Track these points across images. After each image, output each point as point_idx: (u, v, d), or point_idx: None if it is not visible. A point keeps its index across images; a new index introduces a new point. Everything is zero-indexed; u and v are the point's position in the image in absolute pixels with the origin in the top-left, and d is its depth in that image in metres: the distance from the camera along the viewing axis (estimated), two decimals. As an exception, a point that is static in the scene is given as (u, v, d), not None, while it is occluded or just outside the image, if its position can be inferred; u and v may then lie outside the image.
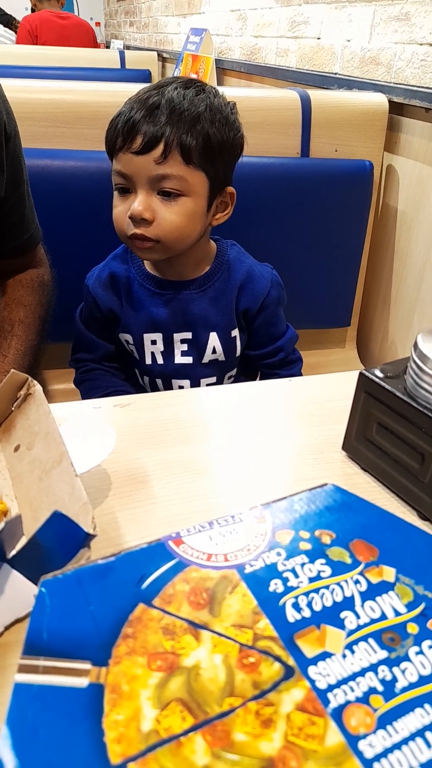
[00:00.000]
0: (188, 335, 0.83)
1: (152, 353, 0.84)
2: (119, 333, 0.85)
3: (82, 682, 0.24)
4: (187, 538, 0.31)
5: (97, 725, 0.23)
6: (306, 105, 1.12)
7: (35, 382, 0.46)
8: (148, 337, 0.83)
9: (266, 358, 0.89)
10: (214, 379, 0.87)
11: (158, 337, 0.83)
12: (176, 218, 0.71)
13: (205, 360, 0.84)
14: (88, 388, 0.86)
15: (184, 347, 0.83)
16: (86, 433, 0.46)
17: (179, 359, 0.84)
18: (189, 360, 0.84)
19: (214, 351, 0.84)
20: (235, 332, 0.85)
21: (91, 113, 1.01)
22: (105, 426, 0.48)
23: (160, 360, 0.84)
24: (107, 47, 3.52)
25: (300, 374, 0.93)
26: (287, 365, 0.91)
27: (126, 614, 0.27)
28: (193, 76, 2.00)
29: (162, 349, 0.83)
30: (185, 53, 2.11)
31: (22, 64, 2.03)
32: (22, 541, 0.34)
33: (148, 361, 0.84)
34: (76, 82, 1.05)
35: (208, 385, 0.87)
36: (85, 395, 0.87)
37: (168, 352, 0.84)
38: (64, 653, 0.25)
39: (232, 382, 0.90)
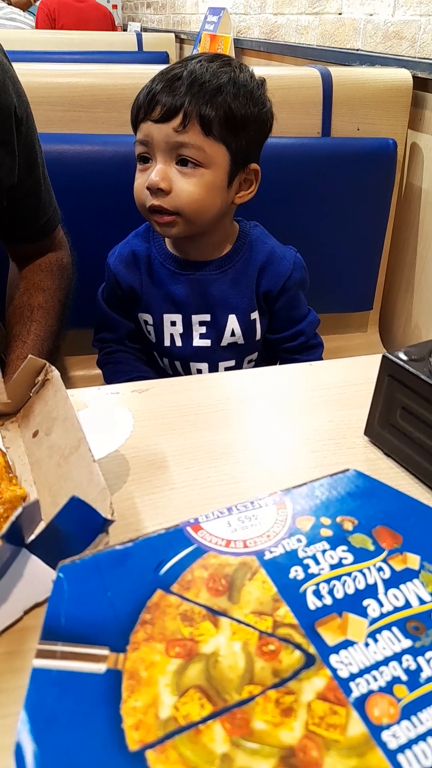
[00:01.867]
0: (207, 317, 0.82)
1: (171, 335, 0.83)
2: (139, 313, 0.84)
3: (100, 668, 0.24)
4: (205, 524, 0.31)
5: (115, 711, 0.22)
6: (327, 83, 1.09)
7: (53, 367, 0.46)
8: (167, 318, 0.82)
9: (287, 342, 0.88)
10: (232, 363, 0.86)
11: (178, 318, 0.82)
12: (194, 189, 0.71)
13: (224, 343, 0.83)
14: (111, 372, 0.86)
15: (203, 329, 0.83)
16: (104, 418, 0.46)
17: (197, 342, 0.83)
18: (207, 343, 0.83)
19: (233, 334, 0.83)
20: (255, 315, 0.83)
21: (108, 96, 1.00)
22: (123, 411, 0.47)
23: (178, 342, 0.83)
24: (124, 30, 3.48)
25: (321, 360, 0.91)
26: (308, 350, 0.89)
27: (144, 600, 0.26)
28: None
29: (181, 330, 0.83)
30: (203, 33, 2.07)
31: (40, 49, 2.02)
32: (41, 527, 0.34)
33: (167, 343, 0.84)
34: (91, 65, 1.04)
35: (226, 369, 0.86)
36: (108, 378, 0.87)
37: (187, 334, 0.83)
38: (82, 639, 0.25)
39: (253, 367, 0.89)
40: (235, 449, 0.45)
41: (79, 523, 0.32)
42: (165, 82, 0.69)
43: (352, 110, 1.11)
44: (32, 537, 0.34)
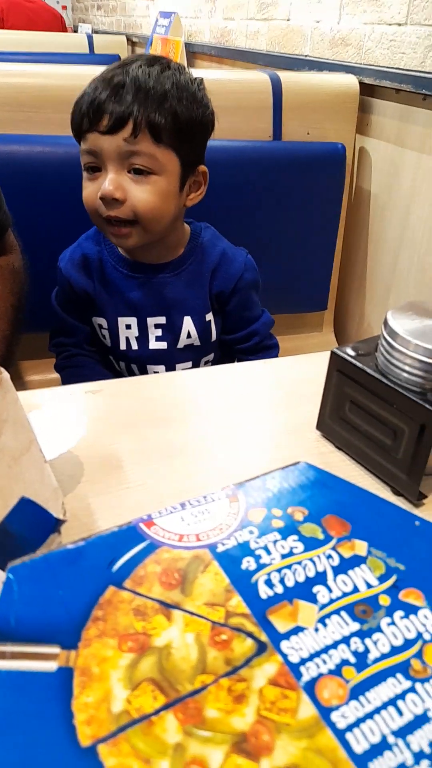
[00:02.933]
0: (162, 320, 0.82)
1: (126, 338, 0.83)
2: (93, 316, 0.83)
3: (51, 666, 0.24)
4: (158, 520, 0.31)
5: (67, 708, 0.22)
6: (277, 87, 1.11)
7: (1, 369, 0.45)
8: (122, 321, 0.82)
9: (241, 342, 0.88)
10: (189, 365, 0.86)
11: (133, 321, 0.82)
12: (149, 197, 0.70)
13: (180, 345, 0.83)
14: (70, 375, 0.85)
15: (159, 332, 0.82)
16: (56, 419, 0.45)
17: (154, 344, 0.83)
18: (164, 345, 0.83)
19: (188, 336, 0.83)
20: (210, 316, 0.84)
21: (58, 97, 0.99)
22: (75, 412, 0.47)
23: (134, 345, 0.83)
24: (75, 32, 3.45)
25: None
26: (263, 351, 0.90)
27: (96, 597, 0.26)
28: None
29: (137, 334, 0.82)
30: (154, 36, 2.07)
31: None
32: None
33: (123, 346, 0.83)
34: (41, 65, 1.03)
35: (183, 370, 0.86)
36: (66, 382, 0.85)
37: (142, 337, 0.82)
38: (32, 638, 0.25)
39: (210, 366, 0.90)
40: (189, 447, 0.45)
41: (30, 523, 0.32)
42: (109, 90, 0.67)
43: (302, 115, 1.13)
44: (-18, 540, 0.34)
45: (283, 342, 1.28)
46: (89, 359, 0.87)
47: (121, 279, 0.81)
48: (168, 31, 1.96)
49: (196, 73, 1.20)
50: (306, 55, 1.34)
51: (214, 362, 0.90)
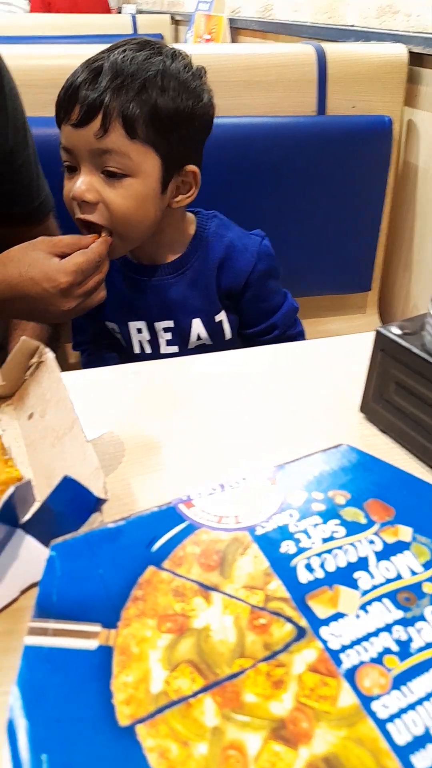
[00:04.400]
0: (170, 323, 0.76)
1: (140, 342, 0.79)
2: (105, 321, 0.80)
3: (91, 644, 0.24)
4: (197, 501, 0.30)
5: (106, 687, 0.22)
6: (321, 60, 1.07)
7: (47, 349, 0.46)
8: (133, 326, 0.77)
9: (262, 335, 0.82)
10: None
11: (143, 325, 0.77)
12: (123, 202, 0.63)
13: (191, 346, 0.79)
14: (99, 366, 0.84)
15: (168, 336, 0.78)
16: (97, 400, 0.45)
17: (165, 349, 0.78)
18: (175, 349, 0.78)
19: (198, 337, 0.78)
20: (220, 316, 0.78)
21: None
22: (115, 393, 0.47)
23: (147, 349, 0.79)
24: (119, 13, 3.43)
25: None
26: (286, 341, 0.82)
27: (136, 577, 0.26)
28: (207, 36, 1.94)
29: (148, 338, 0.78)
30: (197, 14, 2.04)
31: (35, 34, 1.99)
32: (36, 507, 0.34)
33: (137, 350, 0.79)
34: (87, 46, 1.02)
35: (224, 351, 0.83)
36: None
37: (154, 341, 0.78)
38: (73, 616, 0.25)
39: None
40: (229, 429, 0.45)
41: (72, 502, 0.32)
42: (86, 74, 0.62)
43: (347, 88, 1.09)
44: (26, 517, 0.34)
45: (325, 324, 1.26)
46: (112, 353, 0.84)
47: (125, 283, 0.76)
48: (211, 7, 1.93)
49: (237, 48, 1.17)
50: (352, 26, 1.29)
51: None
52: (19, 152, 0.72)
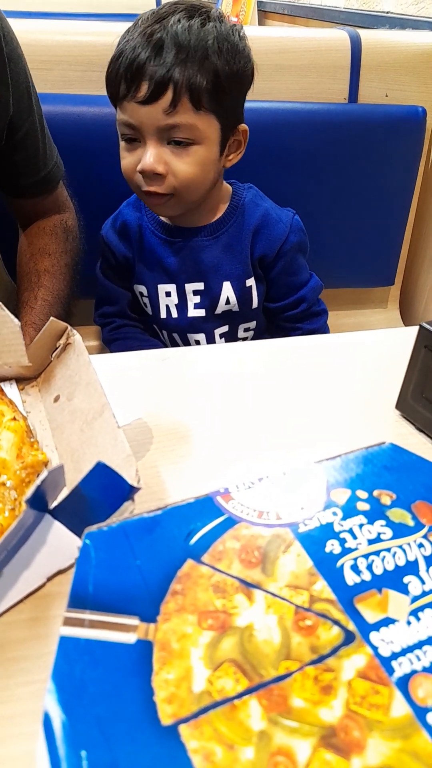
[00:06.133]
0: (200, 286, 0.79)
1: (167, 306, 0.81)
2: (134, 284, 0.82)
3: (130, 638, 0.23)
4: (236, 494, 0.29)
5: (147, 683, 0.21)
6: (356, 46, 1.05)
7: (74, 331, 0.44)
8: (162, 288, 0.80)
9: (288, 309, 0.84)
10: (226, 328, 0.83)
11: (172, 288, 0.80)
12: (189, 168, 0.67)
13: (218, 311, 0.80)
14: (119, 347, 0.84)
15: (197, 299, 0.80)
16: (127, 385, 0.44)
17: (192, 312, 0.80)
18: (202, 312, 0.81)
19: (227, 302, 0.80)
20: (251, 281, 0.80)
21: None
22: (146, 379, 0.46)
23: (174, 313, 0.81)
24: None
25: (325, 327, 0.88)
26: (310, 317, 0.86)
27: (174, 570, 0.25)
28: (233, 19, 1.91)
29: (176, 301, 0.80)
30: (225, -5, 2.00)
31: (56, 10, 1.96)
32: (64, 492, 0.33)
33: (163, 314, 0.81)
34: (112, 23, 1.00)
35: (220, 335, 0.83)
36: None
37: (182, 304, 0.80)
38: (110, 607, 0.24)
39: (251, 335, 0.87)
40: (260, 419, 0.44)
41: (105, 489, 0.31)
42: (149, 49, 0.62)
43: (381, 75, 1.07)
44: (55, 503, 0.33)
45: (345, 317, 1.24)
46: (136, 329, 0.86)
47: (159, 245, 0.79)
48: (240, -12, 1.89)
49: (270, 31, 1.15)
50: (387, 12, 1.26)
51: (257, 331, 0.87)
52: (22, 120, 0.70)
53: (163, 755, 0.19)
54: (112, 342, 0.85)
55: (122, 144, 0.70)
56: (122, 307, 0.85)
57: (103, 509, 0.31)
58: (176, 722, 0.20)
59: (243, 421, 0.44)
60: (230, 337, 0.84)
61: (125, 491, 0.31)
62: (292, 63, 1.03)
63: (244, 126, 0.73)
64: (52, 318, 0.44)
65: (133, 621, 0.23)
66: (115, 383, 0.47)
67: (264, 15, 1.93)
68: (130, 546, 0.27)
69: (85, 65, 0.96)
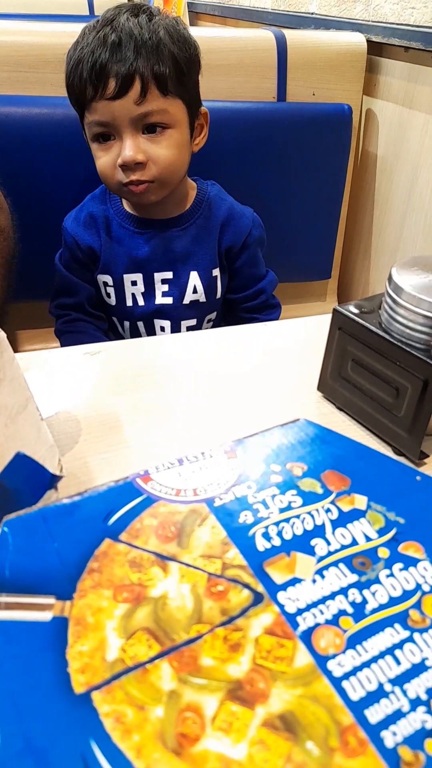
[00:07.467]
0: (169, 275, 0.81)
1: (133, 294, 0.82)
2: (98, 274, 0.83)
3: (46, 615, 0.23)
4: (155, 475, 0.30)
5: (61, 656, 0.22)
6: (282, 46, 1.07)
7: None
8: (128, 278, 0.81)
9: (248, 300, 0.89)
10: (194, 322, 0.85)
11: (138, 277, 0.81)
12: (167, 152, 0.70)
13: (186, 301, 0.83)
14: (69, 340, 0.84)
15: (165, 287, 0.82)
16: (53, 379, 0.44)
17: (160, 299, 0.82)
18: (170, 300, 0.83)
19: (195, 291, 0.82)
20: (216, 272, 0.84)
21: (57, 56, 0.96)
22: (73, 373, 0.46)
23: (141, 301, 0.83)
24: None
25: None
26: (267, 309, 0.91)
27: (92, 549, 0.26)
28: (166, 21, 1.92)
29: (143, 290, 0.82)
30: (156, -3, 2.01)
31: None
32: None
33: (129, 303, 0.83)
34: (38, 23, 1.00)
35: (188, 328, 0.85)
36: (65, 346, 0.84)
37: (149, 292, 0.82)
38: (27, 589, 0.24)
39: (212, 327, 0.89)
40: (188, 408, 0.45)
41: (26, 479, 0.31)
42: (108, 49, 0.65)
43: (307, 74, 1.10)
44: (-21, 496, 0.33)
45: (286, 311, 1.26)
46: (90, 325, 0.86)
47: (128, 236, 0.80)
48: (170, -10, 1.90)
49: (197, 32, 1.16)
50: (312, 13, 1.30)
51: (216, 321, 0.90)
52: None
53: (75, 721, 0.20)
54: (64, 334, 0.85)
55: (94, 146, 0.72)
56: (80, 299, 0.85)
57: (25, 499, 0.31)
58: (89, 690, 0.21)
59: (171, 409, 0.44)
60: (197, 329, 0.86)
61: (47, 480, 0.32)
62: (220, 62, 1.05)
63: (204, 108, 0.77)
64: (-26, 317, 0.44)
65: (49, 600, 0.24)
66: (45, 377, 0.47)
67: (195, 16, 1.95)
68: (48, 530, 0.27)
69: (11, 65, 0.95)
